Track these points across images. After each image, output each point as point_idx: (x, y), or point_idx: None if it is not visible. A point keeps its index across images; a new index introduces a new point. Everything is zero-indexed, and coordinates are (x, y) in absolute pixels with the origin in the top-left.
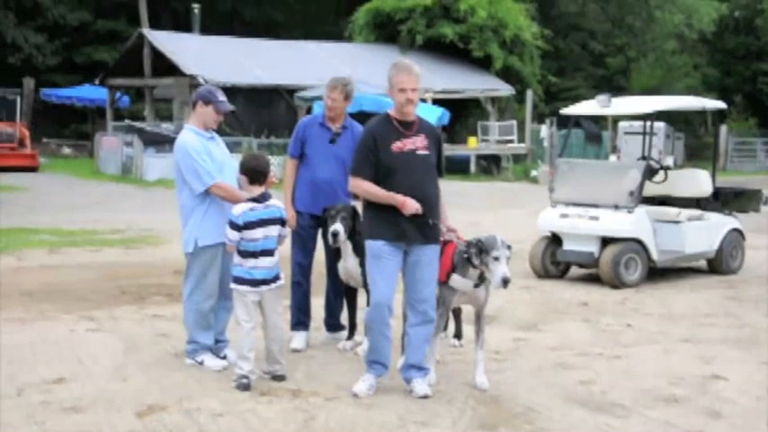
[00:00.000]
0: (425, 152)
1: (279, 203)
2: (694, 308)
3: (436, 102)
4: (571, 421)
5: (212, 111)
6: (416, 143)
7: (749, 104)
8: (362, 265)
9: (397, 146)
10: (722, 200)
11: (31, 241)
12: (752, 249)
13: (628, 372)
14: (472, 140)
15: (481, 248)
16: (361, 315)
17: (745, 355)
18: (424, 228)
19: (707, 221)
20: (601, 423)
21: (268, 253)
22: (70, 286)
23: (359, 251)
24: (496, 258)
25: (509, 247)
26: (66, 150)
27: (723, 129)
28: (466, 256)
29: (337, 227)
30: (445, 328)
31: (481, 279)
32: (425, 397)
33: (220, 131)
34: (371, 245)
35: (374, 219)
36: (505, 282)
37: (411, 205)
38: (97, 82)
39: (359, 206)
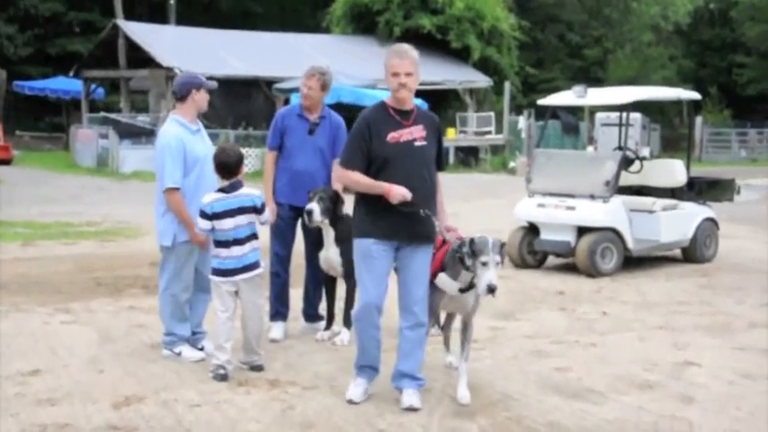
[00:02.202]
0: (423, 143)
1: (251, 192)
2: (669, 296)
3: (415, 93)
4: (547, 408)
5: (205, 93)
6: (414, 134)
7: (724, 96)
8: (343, 254)
9: (392, 136)
10: (697, 190)
11: (4, 234)
12: (725, 238)
13: (603, 359)
14: (451, 132)
15: (474, 250)
16: (339, 305)
17: (717, 342)
18: (416, 224)
19: (682, 211)
20: (576, 409)
21: (239, 242)
22: (45, 279)
23: (340, 240)
24: (484, 264)
25: (502, 247)
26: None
27: (698, 120)
28: (458, 255)
29: (312, 205)
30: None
31: (471, 284)
32: (411, 409)
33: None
34: (360, 243)
35: (364, 215)
36: (491, 290)
37: (397, 192)
38: (71, 74)
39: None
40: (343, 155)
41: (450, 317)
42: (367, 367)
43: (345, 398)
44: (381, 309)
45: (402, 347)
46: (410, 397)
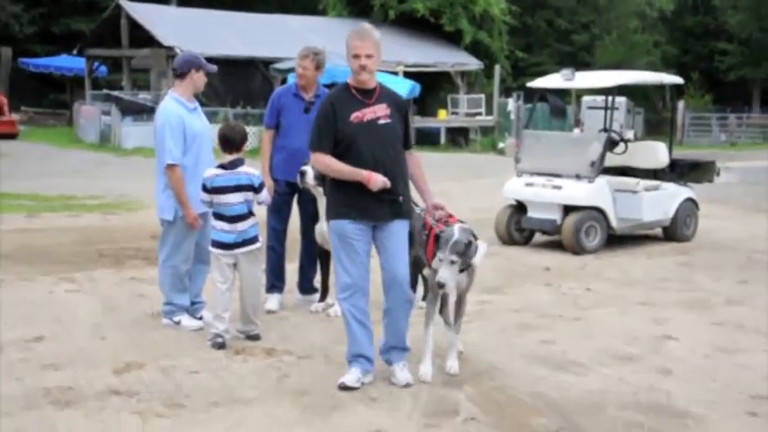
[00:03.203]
0: (387, 121)
1: (249, 170)
2: (650, 273)
3: (408, 75)
4: (532, 379)
5: (203, 75)
6: (377, 112)
7: (705, 81)
8: None
9: (356, 116)
10: (678, 171)
11: (9, 206)
12: (705, 218)
13: (586, 332)
14: (442, 113)
15: (438, 244)
16: (333, 279)
17: (695, 317)
18: (391, 203)
19: (663, 191)
20: (560, 380)
21: (237, 218)
22: (49, 249)
23: None
24: (441, 260)
25: (468, 245)
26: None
27: (680, 104)
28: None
29: (306, 168)
30: (415, 291)
31: (467, 265)
32: (408, 386)
33: (198, 102)
34: (335, 225)
35: (337, 197)
36: (439, 285)
37: (377, 180)
38: (75, 52)
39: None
40: (311, 139)
41: (445, 296)
42: (360, 357)
43: (338, 383)
44: (365, 291)
45: (389, 324)
46: (403, 373)
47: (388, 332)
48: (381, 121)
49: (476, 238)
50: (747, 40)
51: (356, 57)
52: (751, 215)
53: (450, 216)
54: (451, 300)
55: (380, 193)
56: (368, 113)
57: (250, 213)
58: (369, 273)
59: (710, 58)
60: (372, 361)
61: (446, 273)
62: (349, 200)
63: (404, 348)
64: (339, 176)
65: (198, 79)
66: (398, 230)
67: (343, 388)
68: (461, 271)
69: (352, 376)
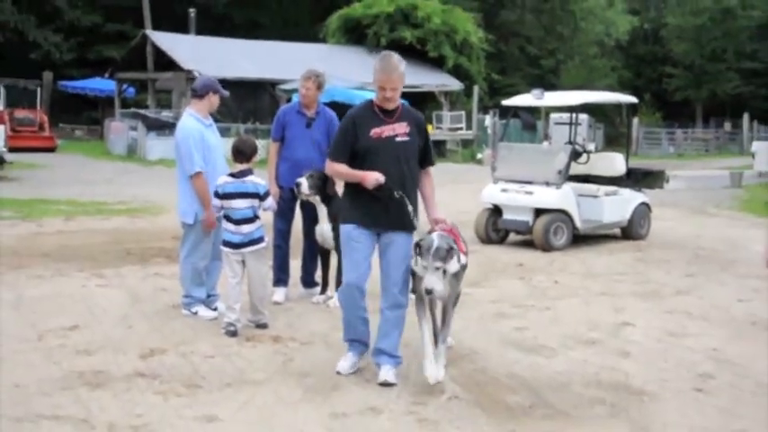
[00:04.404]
0: (405, 138)
1: (256, 180)
2: (609, 267)
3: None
4: (507, 361)
5: (218, 98)
6: (396, 129)
7: (656, 101)
8: (335, 229)
9: (375, 132)
10: (633, 179)
11: (49, 210)
12: (657, 219)
13: (554, 320)
14: (428, 128)
15: (420, 252)
16: (332, 273)
17: (649, 306)
18: (394, 214)
19: (621, 196)
20: (532, 362)
21: (243, 222)
22: (83, 249)
23: (333, 217)
24: (425, 267)
25: (449, 251)
26: (79, 133)
27: (635, 120)
28: (416, 252)
29: (300, 179)
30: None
31: (444, 272)
32: (386, 384)
33: (213, 119)
34: (344, 228)
35: (349, 203)
36: (428, 292)
37: (371, 177)
38: (107, 75)
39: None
40: (330, 149)
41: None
42: (356, 341)
43: (335, 369)
44: (363, 289)
45: (381, 327)
46: (386, 373)
47: (380, 335)
48: (399, 139)
49: (465, 253)
50: (691, 66)
51: (382, 89)
52: (697, 217)
53: (450, 230)
54: (437, 310)
55: (377, 190)
56: (387, 130)
57: (255, 217)
58: (369, 273)
59: (660, 81)
60: (368, 345)
61: (433, 278)
62: (357, 206)
63: (392, 356)
64: (343, 178)
65: (214, 101)
66: (400, 241)
67: (338, 374)
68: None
69: (347, 363)
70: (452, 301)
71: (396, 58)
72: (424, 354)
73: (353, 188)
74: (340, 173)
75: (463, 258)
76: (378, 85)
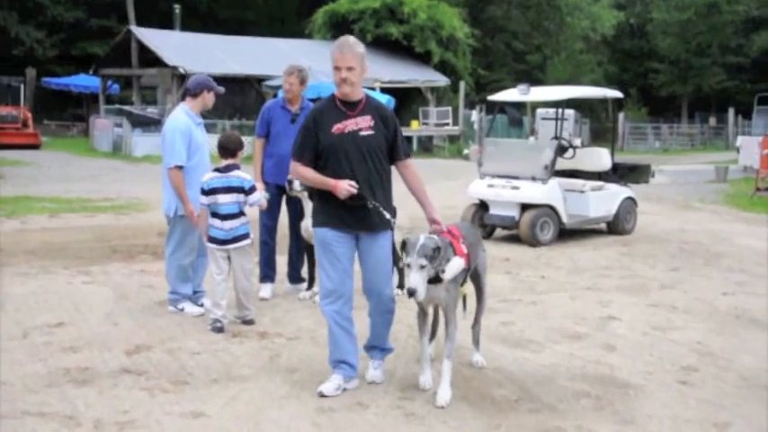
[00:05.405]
0: (369, 132)
1: (241, 175)
2: (595, 262)
3: (384, 90)
4: (494, 355)
5: (213, 96)
6: (359, 123)
7: (642, 96)
8: None
9: (337, 127)
10: (619, 173)
11: (33, 208)
12: (642, 214)
13: (541, 314)
14: (414, 123)
15: (405, 251)
16: (318, 272)
17: (635, 300)
18: (368, 215)
19: (607, 191)
20: (518, 356)
21: (228, 217)
22: (68, 246)
23: None
24: (408, 266)
25: (436, 250)
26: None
27: (621, 115)
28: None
29: (291, 176)
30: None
31: (436, 278)
32: (374, 383)
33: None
34: (317, 232)
35: (320, 206)
36: (410, 293)
37: (342, 187)
38: (91, 72)
39: None
40: (293, 148)
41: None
42: (342, 363)
43: (317, 391)
44: (348, 297)
45: (371, 328)
46: (374, 371)
47: (371, 332)
48: (363, 133)
49: (467, 255)
50: (676, 61)
51: (337, 69)
52: (681, 211)
53: (447, 231)
54: (431, 318)
55: (350, 200)
56: (350, 125)
57: (240, 213)
58: (352, 278)
59: (645, 76)
60: (355, 367)
61: (416, 278)
62: (330, 209)
63: (383, 348)
64: (311, 185)
65: (208, 99)
66: (379, 242)
67: (322, 396)
68: (436, 281)
69: (331, 384)
70: (452, 309)
71: (352, 39)
72: (422, 367)
73: (322, 190)
74: (307, 178)
75: (462, 262)
76: (333, 65)
